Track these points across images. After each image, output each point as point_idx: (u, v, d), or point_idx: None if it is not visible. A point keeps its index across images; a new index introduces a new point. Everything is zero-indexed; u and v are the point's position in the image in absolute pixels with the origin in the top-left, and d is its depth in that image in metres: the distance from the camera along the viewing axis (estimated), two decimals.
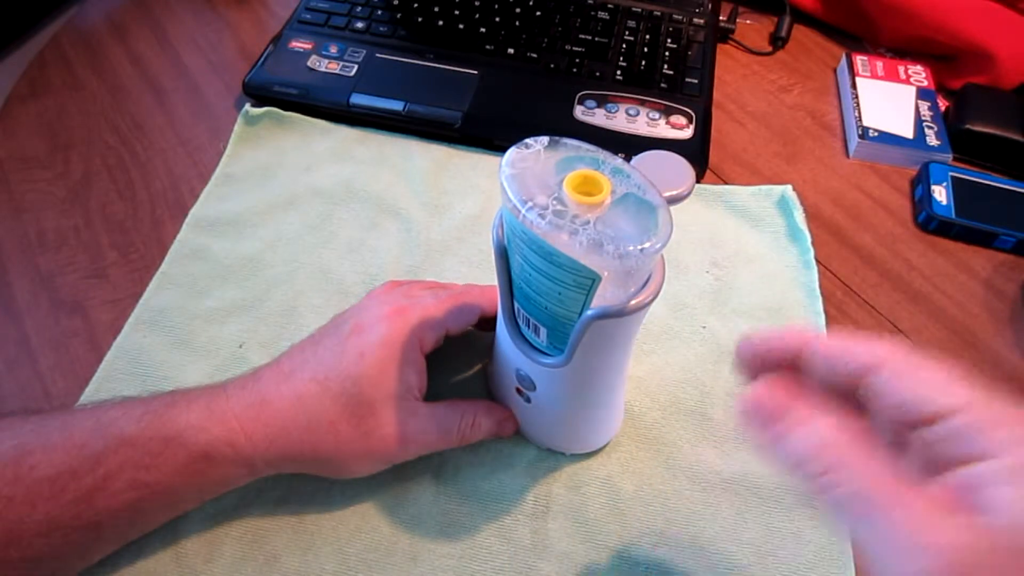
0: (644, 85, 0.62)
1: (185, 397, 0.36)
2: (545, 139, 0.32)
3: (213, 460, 0.34)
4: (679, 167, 0.33)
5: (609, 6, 0.68)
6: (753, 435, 0.25)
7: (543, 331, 0.34)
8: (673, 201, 0.32)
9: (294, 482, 0.40)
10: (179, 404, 0.35)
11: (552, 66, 0.62)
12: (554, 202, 0.29)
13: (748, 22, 0.73)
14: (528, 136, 0.32)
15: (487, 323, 0.41)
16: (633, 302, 0.31)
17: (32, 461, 0.32)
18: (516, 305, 0.35)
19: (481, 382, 0.45)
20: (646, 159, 0.33)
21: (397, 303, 0.39)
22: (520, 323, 0.36)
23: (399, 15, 0.65)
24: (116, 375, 0.44)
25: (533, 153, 0.31)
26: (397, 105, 0.58)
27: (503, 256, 0.34)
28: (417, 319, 0.38)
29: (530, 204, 0.29)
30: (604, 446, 0.43)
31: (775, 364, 0.27)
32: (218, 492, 0.37)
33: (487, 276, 0.49)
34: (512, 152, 0.31)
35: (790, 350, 0.26)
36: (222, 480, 0.36)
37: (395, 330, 0.37)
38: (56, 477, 0.32)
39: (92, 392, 0.43)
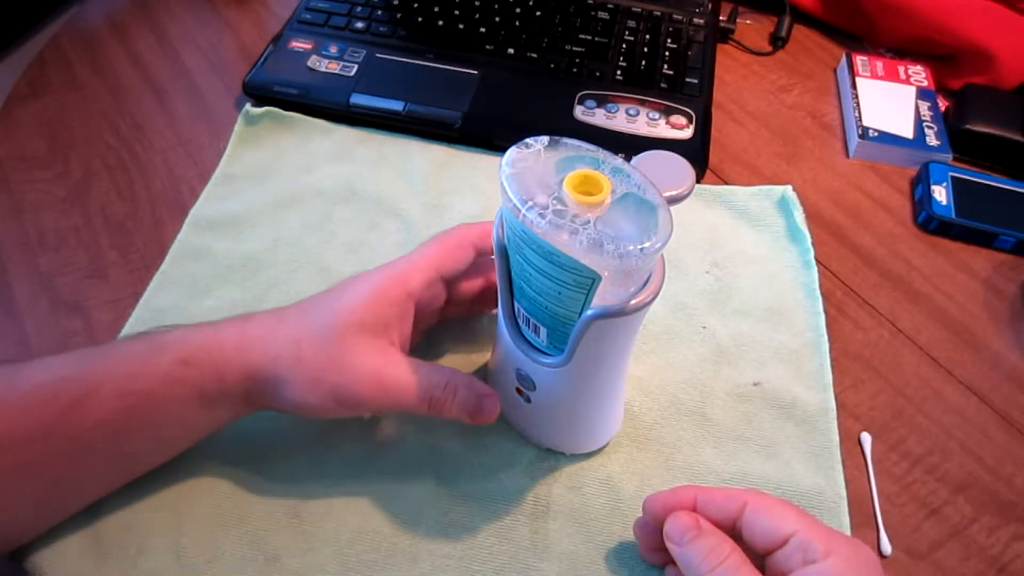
0: (644, 85, 0.62)
1: (175, 326, 0.37)
2: (545, 139, 0.32)
3: (189, 364, 0.35)
4: (679, 167, 0.33)
5: (609, 6, 0.68)
6: (671, 543, 0.34)
7: (543, 331, 0.34)
8: (673, 201, 0.32)
9: (295, 480, 0.40)
10: (169, 327, 0.37)
11: (552, 66, 0.62)
12: (554, 202, 0.29)
13: (748, 22, 0.73)
14: (528, 136, 0.32)
15: (491, 294, 0.40)
16: (633, 302, 0.31)
17: (27, 373, 0.34)
18: (516, 305, 0.35)
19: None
20: (646, 159, 0.33)
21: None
22: (520, 323, 0.36)
23: (399, 15, 0.65)
24: None
25: (533, 153, 0.31)
26: (397, 105, 0.58)
27: (503, 256, 0.34)
28: (404, 263, 0.39)
29: (530, 204, 0.29)
30: (604, 446, 0.43)
31: (676, 509, 0.35)
32: (196, 417, 0.36)
33: None
34: (512, 152, 0.31)
35: (686, 501, 0.35)
36: (198, 394, 0.35)
37: (382, 274, 0.38)
38: (48, 384, 0.33)
39: None
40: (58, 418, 0.33)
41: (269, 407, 0.38)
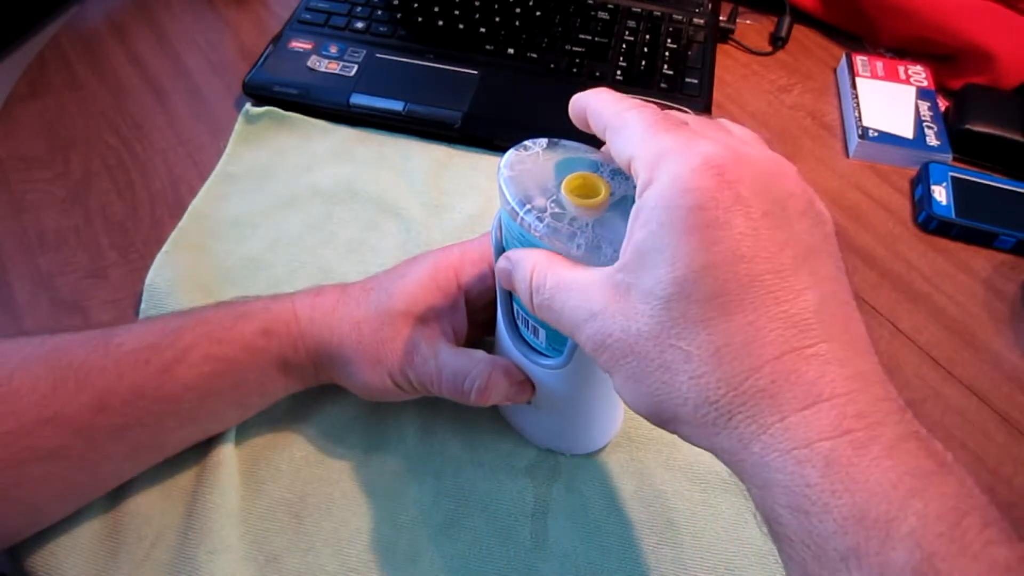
0: (644, 85, 0.62)
1: (258, 295, 0.40)
2: (544, 141, 0.32)
3: (271, 335, 0.38)
4: None
5: (609, 6, 0.68)
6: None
7: (542, 333, 0.34)
8: None
9: (295, 479, 0.40)
10: (251, 297, 0.40)
11: (552, 66, 0.62)
12: (552, 205, 0.29)
13: (748, 22, 0.73)
14: (528, 136, 0.32)
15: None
16: None
17: (119, 339, 0.36)
18: (515, 307, 0.35)
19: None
20: None
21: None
22: (519, 324, 0.36)
23: (399, 15, 0.65)
24: None
25: (532, 155, 0.31)
26: (397, 105, 0.58)
27: (501, 254, 0.34)
28: (459, 252, 0.40)
29: (528, 207, 0.29)
30: (604, 446, 0.43)
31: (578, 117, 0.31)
32: (273, 383, 0.39)
33: None
34: (511, 154, 0.31)
35: (579, 111, 0.30)
36: (276, 363, 0.38)
37: (436, 259, 0.39)
38: (141, 349, 0.36)
39: None
40: (150, 381, 0.35)
41: (334, 381, 0.40)
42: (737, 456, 0.23)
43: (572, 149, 0.32)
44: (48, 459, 0.33)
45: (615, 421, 0.42)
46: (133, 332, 0.37)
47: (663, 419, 0.25)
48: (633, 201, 0.28)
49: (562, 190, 0.29)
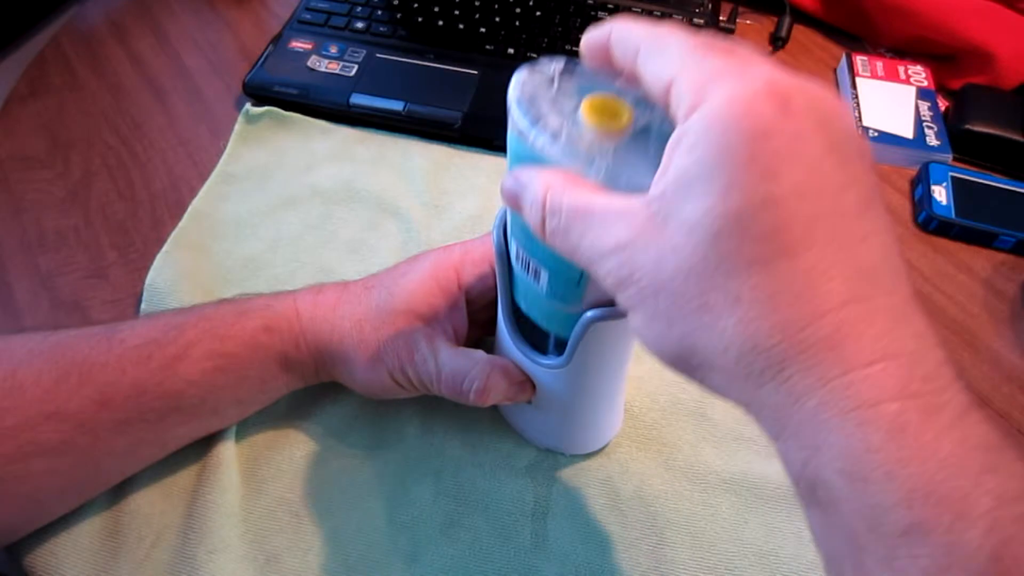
0: None
1: (261, 293, 0.40)
2: (560, 60, 0.29)
3: (272, 332, 0.38)
4: None
5: (609, 6, 0.68)
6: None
7: (544, 275, 0.31)
8: None
9: (295, 478, 0.40)
10: (253, 295, 0.40)
11: None
12: (568, 126, 0.26)
13: (748, 22, 0.73)
14: None
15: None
16: None
17: (122, 335, 0.36)
18: (514, 246, 0.32)
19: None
20: None
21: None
22: (519, 268, 0.33)
23: (399, 15, 0.65)
24: None
25: (546, 74, 0.28)
26: (397, 105, 0.58)
27: (503, 256, 0.34)
28: (460, 252, 0.40)
29: (542, 127, 0.26)
30: (604, 447, 0.43)
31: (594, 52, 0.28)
32: (274, 380, 0.39)
33: None
34: (523, 72, 0.28)
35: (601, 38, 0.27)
36: (278, 359, 0.38)
37: (438, 259, 0.39)
38: (143, 345, 0.36)
39: None
40: (153, 377, 0.35)
41: (334, 379, 0.40)
42: (782, 412, 0.21)
43: (591, 73, 0.28)
44: (51, 454, 0.33)
45: (615, 421, 0.42)
46: (136, 328, 0.37)
47: (690, 365, 0.23)
48: (658, 132, 0.26)
49: (581, 112, 0.26)
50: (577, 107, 0.26)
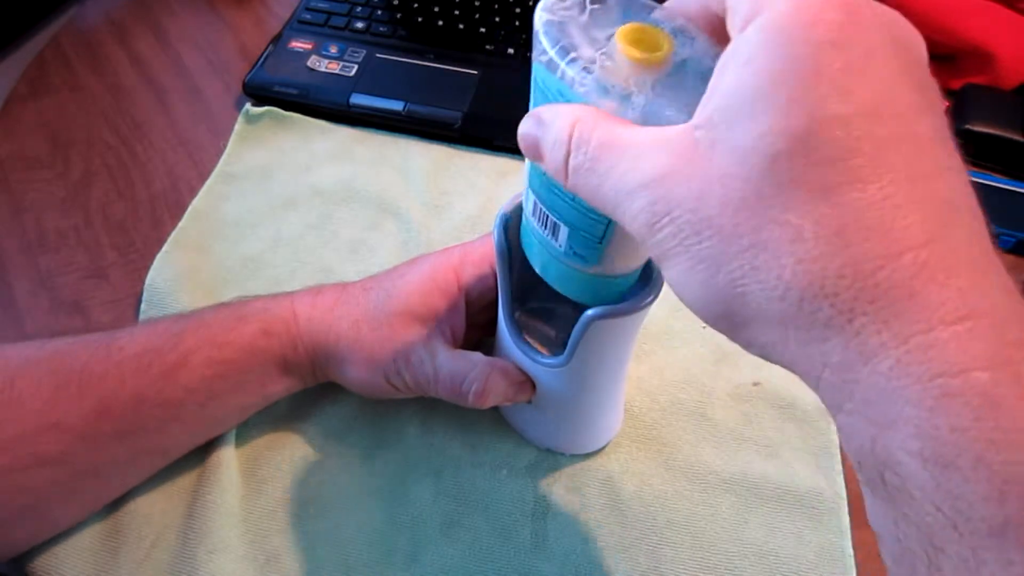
0: None
1: (258, 295, 0.40)
2: None
3: (271, 335, 0.37)
4: None
5: None
6: None
7: (563, 231, 0.28)
8: None
9: (295, 479, 0.40)
10: (250, 297, 0.40)
11: None
12: (602, 57, 0.23)
13: None
14: None
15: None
16: (632, 303, 0.31)
17: (120, 343, 0.36)
18: (533, 202, 0.29)
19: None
20: None
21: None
22: (535, 224, 0.30)
23: (399, 15, 0.65)
24: None
25: (577, 1, 0.25)
26: (397, 105, 0.58)
27: (504, 256, 0.34)
28: (459, 254, 0.39)
29: (572, 57, 0.23)
30: (604, 446, 0.43)
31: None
32: (273, 384, 0.39)
33: None
34: None
35: None
36: (277, 363, 0.38)
37: (437, 261, 0.39)
38: (143, 354, 0.35)
39: None
40: (152, 385, 0.35)
41: (332, 380, 0.40)
42: (848, 375, 0.17)
43: (625, 1, 0.25)
44: (51, 465, 0.33)
45: (615, 421, 0.42)
46: (135, 336, 0.36)
47: (737, 320, 0.20)
48: (699, 66, 0.24)
49: (616, 41, 0.23)
50: (611, 37, 0.23)
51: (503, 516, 0.40)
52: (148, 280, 0.48)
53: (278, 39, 0.63)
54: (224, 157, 0.56)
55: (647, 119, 0.22)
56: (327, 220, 0.53)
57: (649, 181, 0.20)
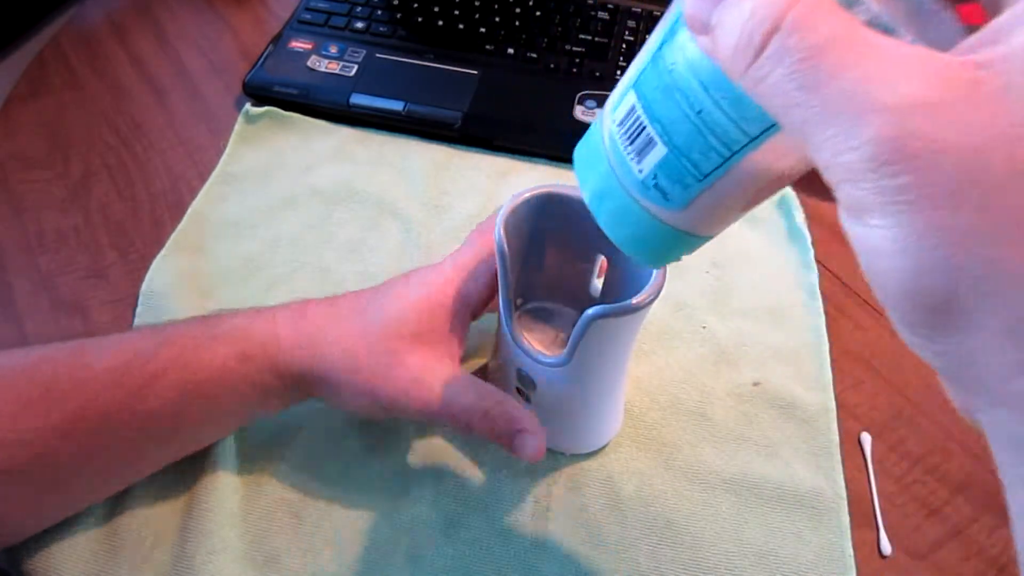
0: None
1: (238, 310, 0.38)
2: None
3: (248, 360, 0.35)
4: None
5: (609, 6, 0.68)
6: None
7: (655, 151, 0.22)
8: None
9: (295, 479, 0.40)
10: (229, 313, 0.38)
11: (552, 66, 0.62)
12: None
13: None
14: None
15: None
16: (635, 300, 0.31)
17: (88, 358, 0.34)
18: (632, 106, 0.23)
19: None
20: None
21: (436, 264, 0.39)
22: (619, 136, 0.24)
23: (399, 15, 0.65)
24: None
25: None
26: (397, 105, 0.58)
27: (503, 255, 0.34)
28: (449, 264, 0.38)
29: None
30: (604, 446, 0.43)
31: None
32: (251, 406, 0.37)
33: None
34: None
35: None
36: (255, 388, 0.36)
37: (430, 277, 0.37)
38: (111, 370, 0.34)
39: None
40: (123, 404, 0.34)
41: (319, 398, 0.39)
42: None
43: None
44: (13, 481, 0.32)
45: (615, 421, 0.42)
46: (104, 351, 0.35)
47: (956, 312, 0.15)
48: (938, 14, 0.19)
49: None
50: None
51: (503, 516, 0.40)
52: (144, 285, 0.48)
53: (278, 39, 0.63)
54: (224, 157, 0.56)
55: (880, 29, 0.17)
56: (326, 220, 0.53)
57: (906, 106, 0.15)
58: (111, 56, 0.65)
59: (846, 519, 0.41)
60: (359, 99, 0.58)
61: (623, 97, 0.23)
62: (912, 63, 0.15)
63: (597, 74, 0.62)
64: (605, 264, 0.40)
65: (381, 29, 0.64)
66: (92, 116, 0.59)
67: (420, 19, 0.65)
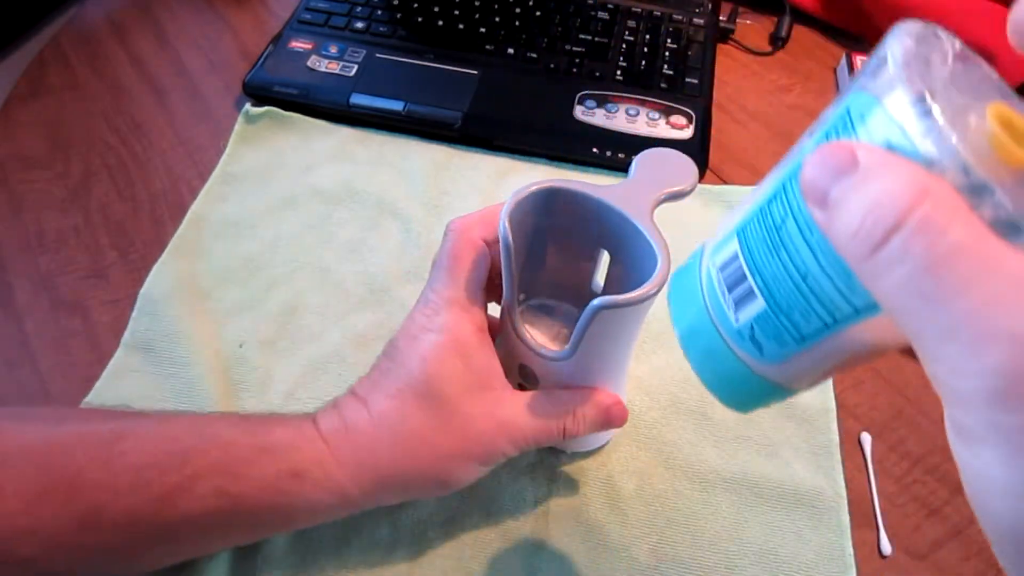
0: (644, 85, 0.62)
1: (278, 417, 0.35)
2: (956, 39, 0.21)
3: (303, 479, 0.33)
4: (681, 164, 0.33)
5: (609, 6, 0.68)
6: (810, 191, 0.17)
7: (754, 305, 0.21)
8: (676, 197, 0.32)
9: None
10: (273, 420, 0.35)
11: (552, 66, 0.62)
12: (962, 127, 0.17)
13: (748, 22, 0.73)
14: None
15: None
16: (639, 292, 0.31)
17: (123, 447, 0.32)
18: (735, 254, 0.22)
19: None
20: (649, 156, 0.33)
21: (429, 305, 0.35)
22: (717, 280, 0.23)
23: (399, 15, 0.65)
24: (123, 372, 0.44)
25: (941, 47, 0.20)
26: (397, 105, 0.58)
27: (508, 249, 0.34)
28: (440, 287, 0.35)
29: (930, 105, 0.17)
30: (604, 445, 0.43)
31: None
32: (306, 522, 0.35)
33: None
34: (916, 26, 0.20)
35: None
36: (311, 506, 0.33)
37: (448, 321, 0.34)
38: (144, 467, 0.31)
39: (98, 392, 0.43)
40: (149, 507, 0.31)
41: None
42: None
43: (988, 72, 0.20)
44: (23, 567, 0.30)
45: None
46: (140, 441, 0.32)
47: None
48: None
49: (988, 118, 0.17)
50: (983, 112, 0.18)
51: (503, 516, 0.40)
52: (143, 289, 0.48)
53: (278, 39, 0.63)
54: (224, 157, 0.56)
55: (1005, 232, 0.16)
56: (326, 220, 0.53)
57: None
58: (111, 56, 0.65)
59: (846, 519, 0.41)
60: (359, 99, 0.58)
61: (726, 241, 0.22)
62: None
63: (597, 74, 0.62)
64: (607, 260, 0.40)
65: (381, 29, 0.64)
66: (92, 116, 0.60)
67: (420, 19, 0.65)
